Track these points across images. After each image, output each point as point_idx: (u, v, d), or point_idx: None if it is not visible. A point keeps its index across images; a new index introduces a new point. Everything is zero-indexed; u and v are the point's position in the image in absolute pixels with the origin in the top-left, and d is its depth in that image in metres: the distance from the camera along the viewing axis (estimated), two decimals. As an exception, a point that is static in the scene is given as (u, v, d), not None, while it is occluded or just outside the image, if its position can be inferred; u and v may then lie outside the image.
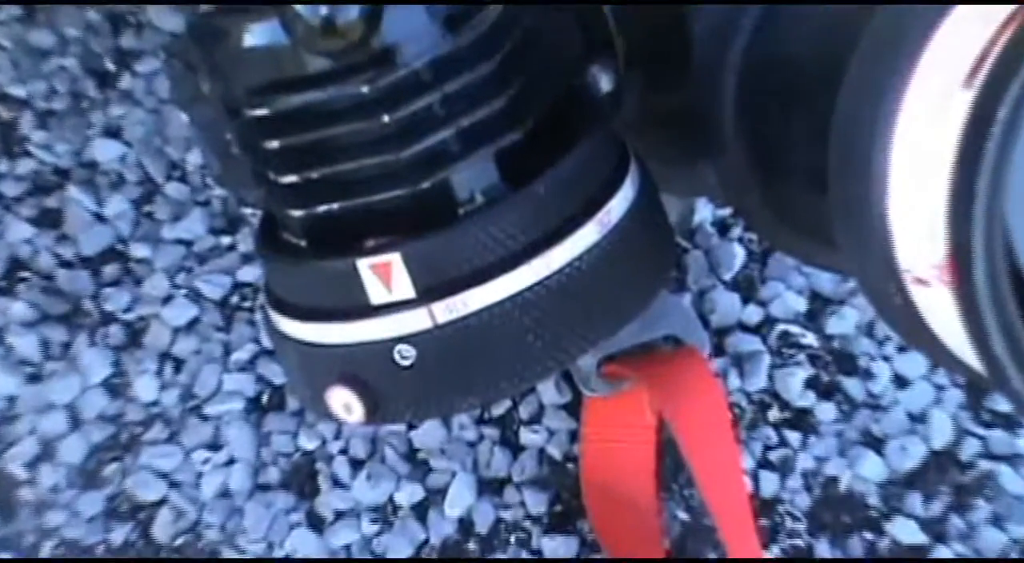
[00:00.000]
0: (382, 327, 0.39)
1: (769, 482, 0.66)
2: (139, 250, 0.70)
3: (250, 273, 0.69)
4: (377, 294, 0.39)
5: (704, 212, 0.69)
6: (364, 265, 0.38)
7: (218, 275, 0.69)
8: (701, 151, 0.44)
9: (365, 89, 0.37)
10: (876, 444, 0.66)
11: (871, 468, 0.66)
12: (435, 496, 0.65)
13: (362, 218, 0.39)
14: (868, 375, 0.67)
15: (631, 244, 0.42)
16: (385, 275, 0.38)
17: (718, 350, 0.67)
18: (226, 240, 0.70)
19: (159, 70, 0.71)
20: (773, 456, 0.66)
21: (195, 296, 0.69)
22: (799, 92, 0.40)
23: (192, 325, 0.69)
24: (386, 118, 0.38)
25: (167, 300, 0.69)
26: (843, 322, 0.68)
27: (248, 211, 0.69)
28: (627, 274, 0.42)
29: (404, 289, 0.38)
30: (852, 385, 0.67)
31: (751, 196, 0.44)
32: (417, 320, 0.39)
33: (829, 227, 0.34)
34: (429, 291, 0.39)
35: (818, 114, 0.34)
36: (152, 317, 0.69)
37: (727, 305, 0.68)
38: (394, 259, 0.38)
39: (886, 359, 0.67)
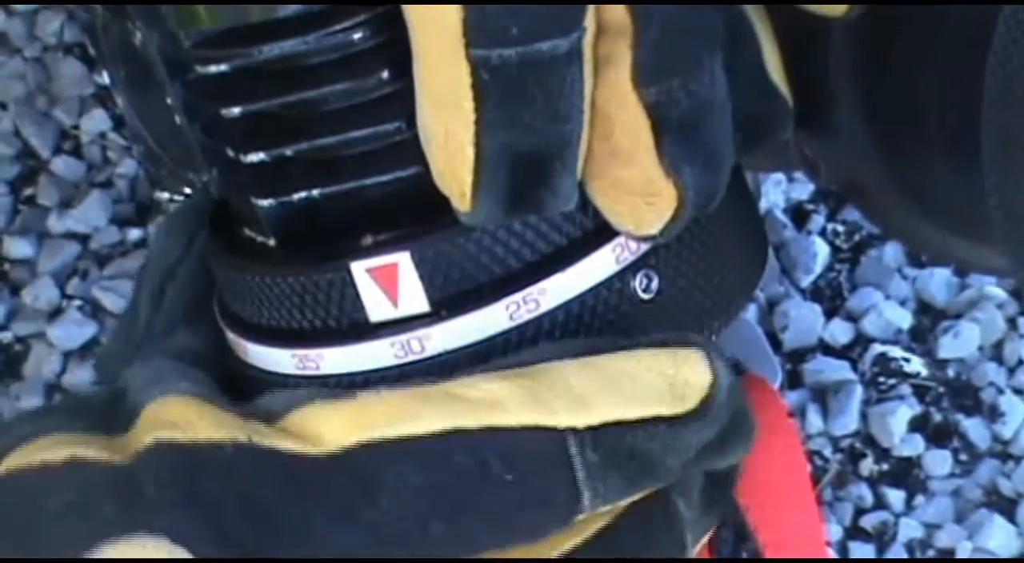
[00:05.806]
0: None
1: (863, 556, 0.66)
2: (17, 247, 0.70)
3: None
4: (378, 308, 0.39)
5: (773, 195, 0.70)
6: (360, 269, 0.39)
7: (125, 281, 0.69)
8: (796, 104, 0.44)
9: (358, 36, 0.38)
10: (1006, 506, 0.67)
11: (999, 538, 0.66)
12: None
13: (354, 208, 0.39)
14: (995, 413, 0.68)
15: (720, 229, 0.42)
16: (388, 282, 0.39)
17: (793, 380, 0.68)
18: (135, 234, 0.70)
19: (41, 8, 0.71)
20: (867, 522, 0.67)
21: (93, 309, 0.69)
22: (940, 13, 0.40)
23: (89, 348, 0.69)
24: (386, 74, 0.38)
25: (55, 315, 0.69)
26: (961, 342, 0.68)
27: (165, 196, 0.70)
28: (717, 268, 0.42)
29: (414, 299, 0.39)
30: (973, 427, 0.68)
31: (868, 169, 0.44)
32: None
33: (983, 216, 0.35)
34: (447, 301, 0.39)
35: (969, 50, 0.35)
36: (35, 338, 0.69)
37: (805, 320, 0.68)
38: (401, 260, 0.38)
39: (1019, 392, 0.68)
